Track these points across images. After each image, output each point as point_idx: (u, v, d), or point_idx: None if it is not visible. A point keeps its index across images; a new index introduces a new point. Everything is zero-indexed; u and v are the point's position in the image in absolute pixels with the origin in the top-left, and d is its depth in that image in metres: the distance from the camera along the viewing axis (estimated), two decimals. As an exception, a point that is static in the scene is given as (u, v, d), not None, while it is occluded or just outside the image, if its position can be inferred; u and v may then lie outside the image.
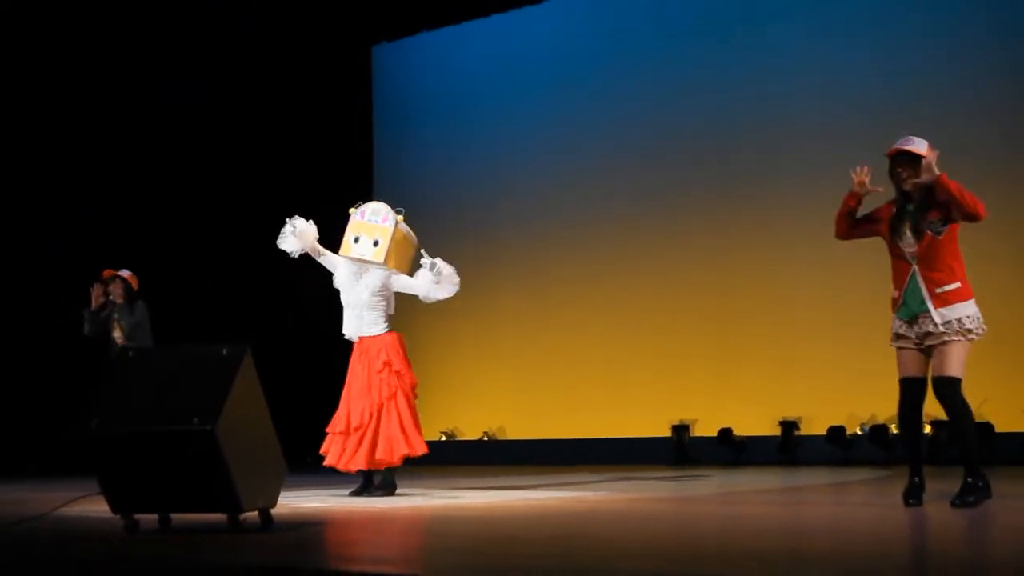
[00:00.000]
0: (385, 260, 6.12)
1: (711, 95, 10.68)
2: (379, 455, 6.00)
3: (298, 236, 6.24)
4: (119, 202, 10.91)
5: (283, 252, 6.38)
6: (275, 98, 11.92)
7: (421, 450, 6.09)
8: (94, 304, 7.83)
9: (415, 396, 6.21)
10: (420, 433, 6.17)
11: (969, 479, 4.54)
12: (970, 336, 4.55)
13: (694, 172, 10.78)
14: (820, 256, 9.77)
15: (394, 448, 5.99)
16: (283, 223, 6.34)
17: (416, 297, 6.38)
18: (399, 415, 6.05)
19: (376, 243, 6.11)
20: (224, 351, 4.11)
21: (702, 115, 10.75)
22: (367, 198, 6.82)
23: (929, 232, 4.55)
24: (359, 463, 6.04)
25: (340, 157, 12.25)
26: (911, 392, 4.67)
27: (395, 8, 12.09)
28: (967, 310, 4.56)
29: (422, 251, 6.30)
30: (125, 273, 7.97)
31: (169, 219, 11.15)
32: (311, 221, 6.31)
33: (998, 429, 8.83)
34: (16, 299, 10.28)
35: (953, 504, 4.49)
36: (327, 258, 6.31)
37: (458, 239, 11.73)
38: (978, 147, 9.22)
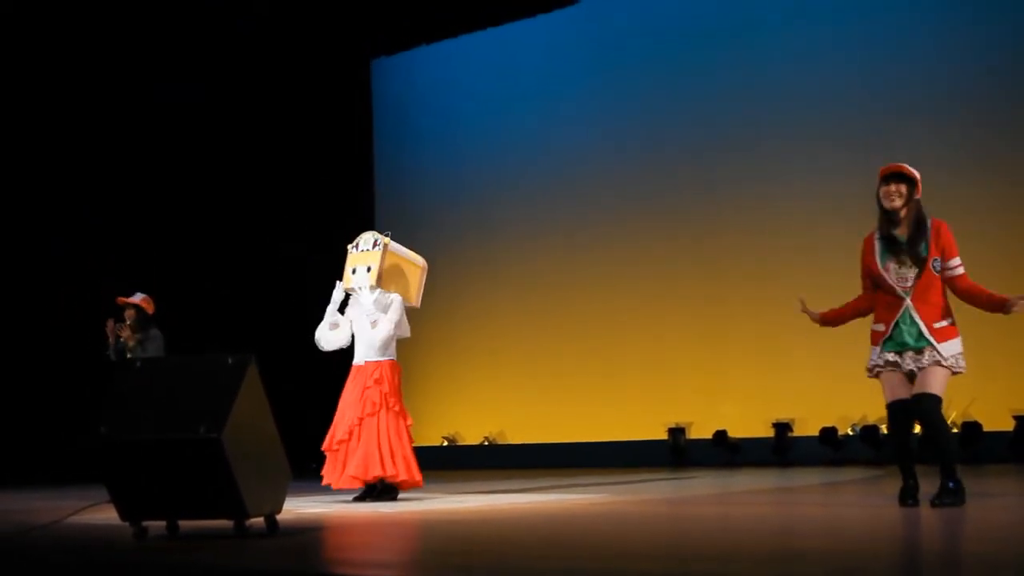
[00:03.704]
0: (378, 283, 6.22)
1: (703, 106, 10.79)
2: (352, 471, 6.01)
3: (335, 329, 6.36)
4: (120, 208, 10.95)
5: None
6: (277, 111, 11.98)
7: (406, 477, 6.05)
8: (111, 341, 7.71)
9: (410, 437, 6.23)
10: (408, 460, 6.09)
11: (949, 483, 4.58)
12: (956, 369, 4.57)
13: (687, 179, 10.88)
14: (811, 260, 9.88)
15: (368, 467, 5.98)
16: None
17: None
18: (379, 432, 6.05)
19: (369, 269, 6.25)
20: (230, 360, 4.17)
21: (694, 125, 10.86)
22: (368, 210, 6.95)
23: (932, 270, 4.54)
24: (335, 480, 6.08)
25: (341, 168, 12.33)
26: (904, 414, 4.63)
27: (394, 22, 12.17)
28: (959, 346, 4.59)
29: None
30: (138, 298, 7.65)
31: (172, 228, 11.19)
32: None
33: (985, 428, 8.94)
34: (25, 307, 10.32)
35: (933, 504, 4.53)
36: (346, 324, 6.39)
37: (457, 248, 11.82)
38: (968, 154, 9.33)
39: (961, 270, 4.63)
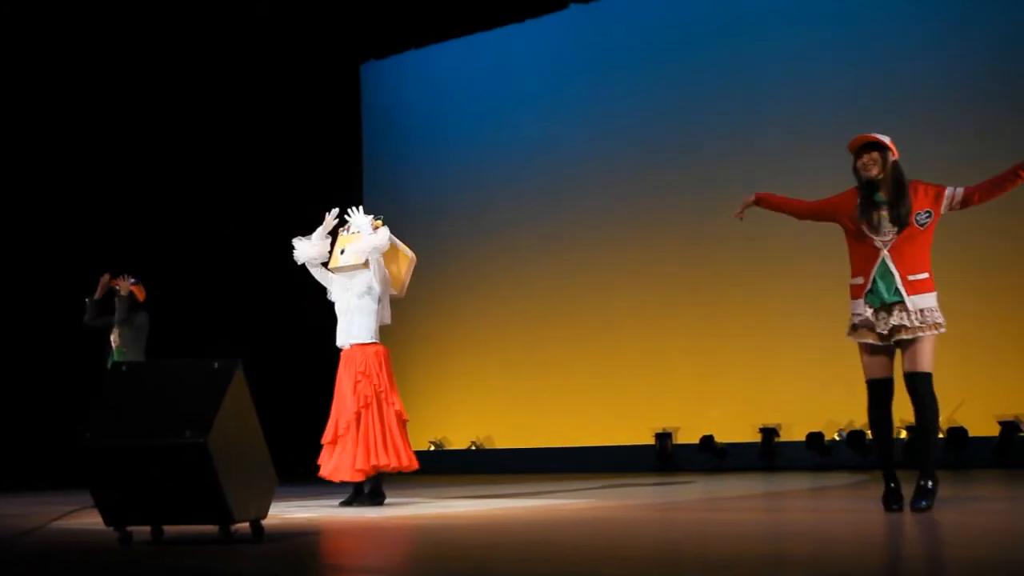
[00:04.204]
0: (367, 263, 6.23)
1: (696, 111, 10.78)
2: (358, 464, 6.05)
3: (313, 245, 6.33)
4: (111, 212, 10.90)
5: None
6: (266, 115, 11.94)
7: (398, 463, 6.09)
8: (98, 293, 7.75)
9: (403, 420, 6.26)
10: (405, 447, 6.16)
11: (924, 482, 4.56)
12: (939, 329, 4.53)
13: (676, 185, 10.89)
14: (798, 266, 9.92)
15: (368, 457, 6.03)
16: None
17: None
18: (374, 424, 6.09)
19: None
20: (216, 365, 4.16)
21: (686, 130, 10.86)
22: (355, 213, 6.92)
23: (916, 225, 4.53)
24: (342, 474, 6.09)
25: (329, 173, 12.32)
26: (881, 393, 4.63)
27: (383, 26, 12.16)
28: (933, 301, 4.55)
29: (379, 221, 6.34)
30: (130, 282, 7.91)
31: (160, 232, 11.15)
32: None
33: (971, 434, 8.98)
34: (12, 310, 10.26)
35: (913, 508, 4.52)
36: (323, 273, 6.41)
37: (446, 252, 11.80)
38: (955, 159, 9.35)
39: (960, 188, 4.61)
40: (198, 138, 11.60)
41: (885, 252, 4.56)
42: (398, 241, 6.50)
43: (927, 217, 4.57)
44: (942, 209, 4.61)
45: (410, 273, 6.58)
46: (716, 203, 10.65)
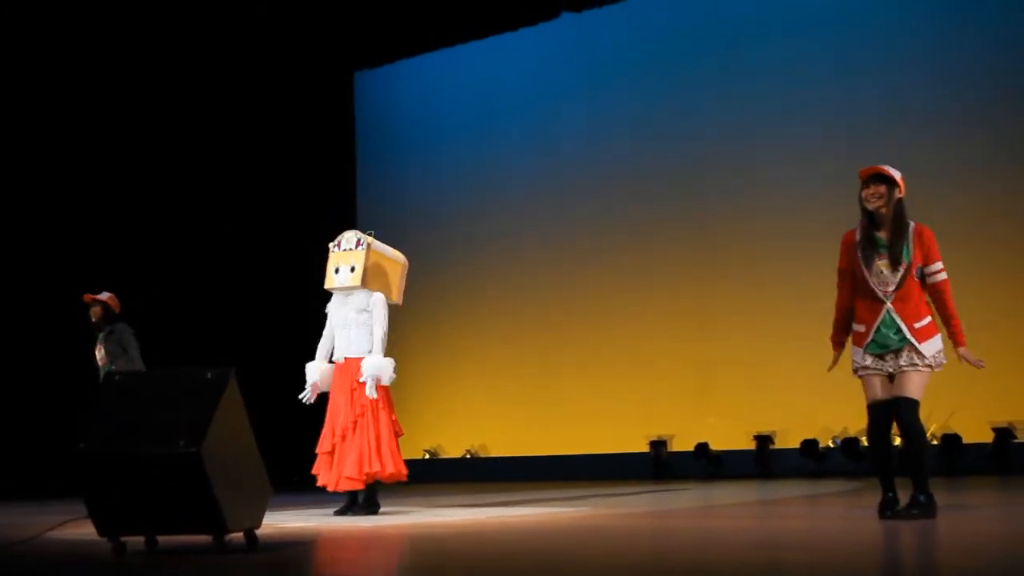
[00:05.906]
0: (363, 283, 6.23)
1: (689, 121, 10.80)
2: (348, 472, 6.04)
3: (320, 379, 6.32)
4: (102, 219, 10.89)
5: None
6: (260, 123, 11.95)
7: (392, 470, 6.09)
8: None
9: (399, 431, 6.27)
10: (396, 455, 6.15)
11: (919, 496, 4.59)
12: (938, 369, 4.60)
13: (671, 192, 10.91)
14: (792, 274, 9.93)
15: (361, 466, 6.03)
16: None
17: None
18: (369, 432, 6.09)
19: (352, 268, 6.26)
20: (209, 374, 4.16)
21: (679, 138, 10.88)
22: (350, 222, 6.94)
23: (914, 276, 4.57)
24: (334, 483, 6.08)
25: (323, 181, 12.32)
26: (882, 414, 4.65)
27: (376, 35, 12.18)
28: (940, 343, 4.62)
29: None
30: (104, 296, 7.77)
31: (155, 240, 11.14)
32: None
33: (965, 441, 9.00)
34: (9, 318, 10.24)
35: (904, 515, 4.54)
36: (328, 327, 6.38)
37: (439, 260, 11.80)
38: (956, 161, 9.39)
39: (942, 276, 4.64)
40: (193, 146, 11.60)
41: (889, 304, 4.61)
42: (386, 248, 6.49)
43: (923, 267, 4.61)
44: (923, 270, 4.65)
45: (404, 277, 6.58)
46: (711, 210, 10.69)
